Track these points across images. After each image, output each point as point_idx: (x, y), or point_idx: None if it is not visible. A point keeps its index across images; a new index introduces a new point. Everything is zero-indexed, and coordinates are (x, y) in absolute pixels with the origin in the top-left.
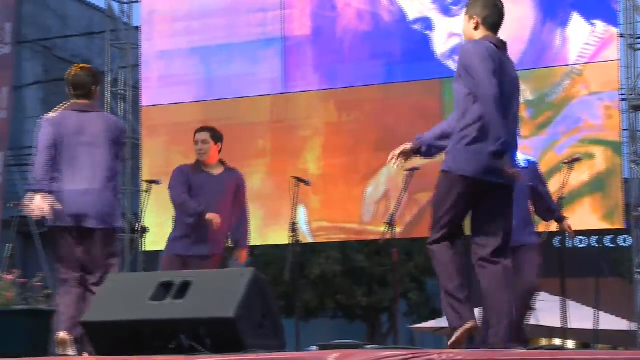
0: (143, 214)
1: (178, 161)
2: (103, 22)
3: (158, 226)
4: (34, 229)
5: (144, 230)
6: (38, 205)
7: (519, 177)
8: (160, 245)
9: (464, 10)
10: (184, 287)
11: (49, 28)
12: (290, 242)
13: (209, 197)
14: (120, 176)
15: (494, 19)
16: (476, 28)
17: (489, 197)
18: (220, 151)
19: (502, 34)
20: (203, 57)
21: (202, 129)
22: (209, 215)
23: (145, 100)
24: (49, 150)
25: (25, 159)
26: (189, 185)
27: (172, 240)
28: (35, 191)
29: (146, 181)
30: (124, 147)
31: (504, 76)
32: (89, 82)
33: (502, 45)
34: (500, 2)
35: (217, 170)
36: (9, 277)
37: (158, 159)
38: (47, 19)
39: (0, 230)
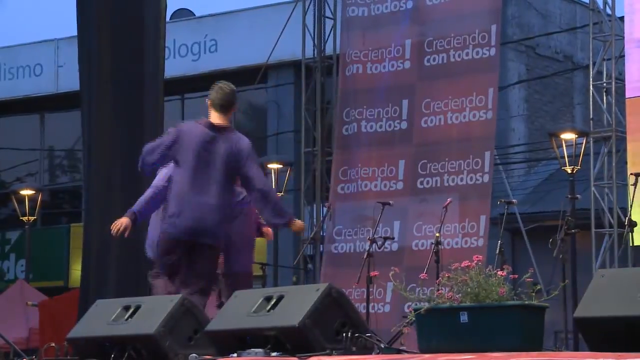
0: (630, 208)
1: None
2: (585, 15)
3: None
4: (521, 225)
5: (633, 224)
6: None
7: None
8: None
9: None
10: None
11: (531, 26)
12: None
13: None
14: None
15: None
16: None
17: None
18: None
19: None
20: None
21: None
22: None
23: (630, 91)
24: None
25: (512, 157)
26: None
27: None
28: None
29: (633, 174)
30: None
31: None
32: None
33: None
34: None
35: None
36: (502, 273)
37: None
38: (529, 17)
39: (489, 228)
